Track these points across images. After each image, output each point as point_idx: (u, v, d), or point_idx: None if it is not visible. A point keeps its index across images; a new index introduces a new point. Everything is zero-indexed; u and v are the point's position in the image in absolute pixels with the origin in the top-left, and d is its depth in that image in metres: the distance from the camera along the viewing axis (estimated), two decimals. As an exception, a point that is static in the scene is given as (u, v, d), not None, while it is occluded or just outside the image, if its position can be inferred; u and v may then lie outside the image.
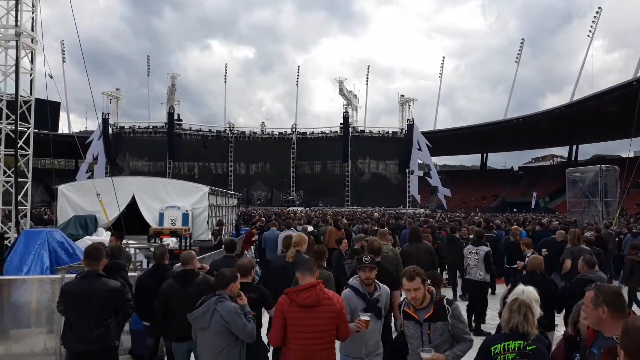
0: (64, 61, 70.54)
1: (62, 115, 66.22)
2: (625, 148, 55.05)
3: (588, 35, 59.41)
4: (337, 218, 14.44)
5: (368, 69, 77.28)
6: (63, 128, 67.94)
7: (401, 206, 55.20)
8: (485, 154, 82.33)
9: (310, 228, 13.00)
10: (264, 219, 17.37)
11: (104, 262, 4.66)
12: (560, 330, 7.63)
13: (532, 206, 54.90)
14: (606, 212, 26.55)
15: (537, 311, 3.40)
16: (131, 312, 4.83)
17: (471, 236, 10.55)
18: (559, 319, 7.37)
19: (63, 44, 70.06)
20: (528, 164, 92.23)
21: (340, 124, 60.67)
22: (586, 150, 76.83)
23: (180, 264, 5.44)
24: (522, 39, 71.84)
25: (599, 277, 6.03)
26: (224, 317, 3.93)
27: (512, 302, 3.35)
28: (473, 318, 8.64)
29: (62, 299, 4.51)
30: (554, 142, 75.75)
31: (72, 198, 15.89)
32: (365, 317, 3.97)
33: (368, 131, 62.87)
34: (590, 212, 27.32)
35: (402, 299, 3.97)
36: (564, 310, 7.40)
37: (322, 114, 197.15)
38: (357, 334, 4.00)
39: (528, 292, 3.67)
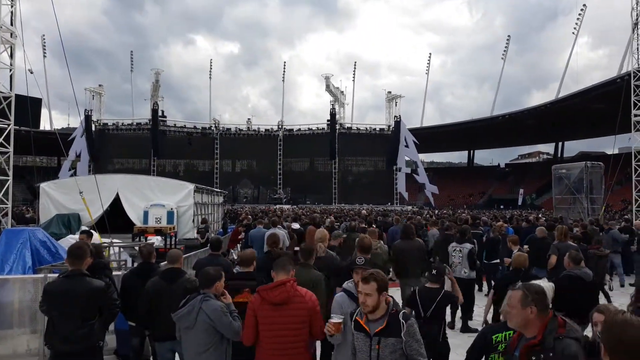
0: (44, 56, 69.54)
1: (44, 112, 65.43)
2: (610, 145, 55.81)
3: (573, 33, 59.99)
4: (314, 216, 14.39)
5: (355, 65, 77.60)
6: (45, 125, 66.87)
7: (389, 203, 55.35)
8: (472, 151, 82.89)
9: (296, 226, 12.93)
10: (250, 217, 17.25)
11: (88, 261, 4.57)
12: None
13: (519, 203, 55.42)
14: (592, 209, 26.87)
15: None
16: (117, 311, 4.76)
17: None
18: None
19: (44, 38, 68.97)
20: (514, 160, 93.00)
21: (327, 120, 60.62)
22: (572, 147, 77.81)
23: (166, 262, 5.36)
24: (508, 36, 72.52)
25: (585, 273, 6.05)
26: (209, 315, 3.90)
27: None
28: (460, 315, 8.65)
29: (45, 299, 4.41)
30: (540, 138, 76.43)
31: (55, 196, 15.66)
32: (335, 320, 3.62)
33: (355, 128, 62.93)
34: (576, 209, 27.63)
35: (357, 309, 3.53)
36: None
37: (309, 110, 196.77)
38: (345, 340, 3.70)
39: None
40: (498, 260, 10.53)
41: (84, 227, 14.38)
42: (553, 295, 3.50)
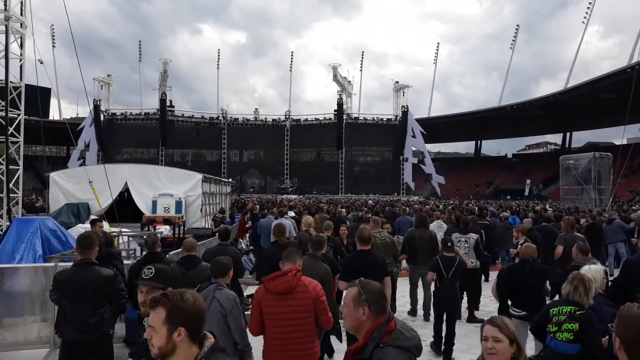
0: (54, 46, 69.79)
1: (53, 102, 65.57)
2: (618, 135, 55.35)
3: (583, 22, 59.30)
4: (309, 205, 14.48)
5: (362, 55, 77.02)
6: (54, 114, 67.39)
7: (395, 193, 55.32)
8: (479, 141, 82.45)
9: (291, 214, 13.05)
10: (257, 206, 17.33)
11: (96, 250, 4.63)
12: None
13: (526, 193, 55.16)
14: (599, 199, 26.76)
15: (593, 287, 3.86)
16: (124, 302, 4.82)
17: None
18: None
19: (53, 28, 69.14)
20: (522, 151, 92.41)
21: (335, 110, 60.46)
22: (580, 138, 77.28)
23: (181, 249, 5.47)
24: (517, 25, 71.64)
25: (593, 263, 6.05)
26: (222, 304, 3.92)
27: (571, 275, 3.93)
28: (466, 306, 8.68)
29: (55, 287, 4.48)
30: (548, 129, 75.86)
31: (64, 186, 15.77)
32: None
33: (362, 118, 62.73)
34: (583, 199, 27.55)
35: None
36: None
37: (316, 100, 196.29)
38: None
39: (590, 270, 4.21)
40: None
41: (93, 216, 14.53)
42: (598, 281, 4.01)
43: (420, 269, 8.40)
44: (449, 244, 7.18)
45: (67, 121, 53.98)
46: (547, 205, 22.36)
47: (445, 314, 6.78)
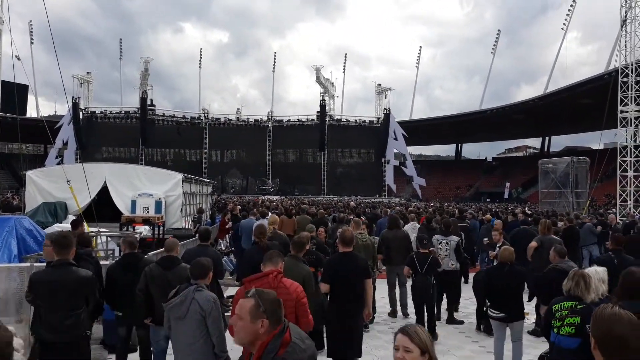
0: (32, 42, 68.30)
1: (31, 99, 64.16)
2: (596, 140, 56.40)
3: (562, 28, 60.33)
4: (290, 207, 14.47)
5: (345, 57, 77.14)
6: (31, 112, 66.00)
7: (377, 195, 55.56)
8: (460, 145, 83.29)
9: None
10: (238, 207, 17.25)
11: (74, 250, 4.55)
12: (530, 319, 7.82)
13: (506, 196, 55.86)
14: (577, 203, 27.24)
15: (595, 285, 3.97)
16: (101, 302, 4.76)
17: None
18: (529, 307, 7.55)
19: (31, 24, 67.76)
20: (502, 154, 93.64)
21: (317, 112, 60.50)
22: (559, 142, 78.44)
23: (163, 249, 5.42)
24: (499, 30, 72.73)
25: (570, 266, 6.14)
26: (202, 306, 3.88)
27: (572, 272, 4.08)
28: (446, 307, 8.76)
29: (31, 288, 4.39)
30: (527, 133, 76.97)
31: (41, 184, 15.50)
32: None
33: (345, 120, 62.86)
34: (561, 203, 28.03)
35: None
36: (535, 299, 7.60)
37: (299, 101, 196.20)
38: None
39: (595, 270, 4.27)
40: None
41: (71, 216, 14.29)
42: (602, 280, 4.09)
43: (396, 269, 8.70)
44: (425, 242, 7.76)
45: (45, 119, 52.91)
46: (526, 209, 22.70)
47: (424, 305, 7.43)
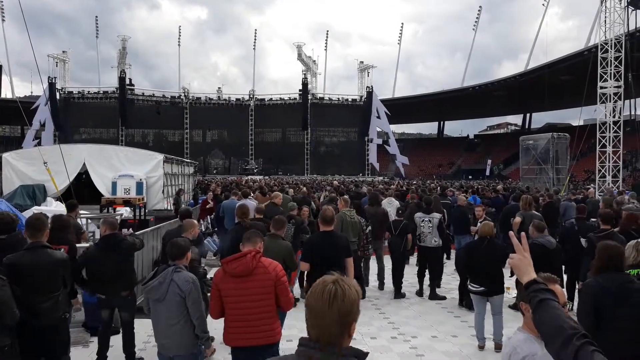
0: (3, 20, 66.20)
1: (5, 79, 62.64)
2: (576, 116, 56.96)
3: (543, 4, 60.41)
4: (261, 185, 14.60)
5: (327, 34, 76.30)
6: (6, 93, 64.41)
7: (360, 174, 55.70)
8: (442, 122, 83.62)
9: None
10: (219, 189, 17.16)
11: (47, 233, 4.47)
12: (511, 293, 7.95)
13: (487, 173, 56.47)
14: (557, 179, 27.62)
15: None
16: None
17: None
18: (509, 282, 7.66)
19: (1, 1, 65.61)
20: (483, 131, 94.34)
21: (299, 90, 60.02)
22: (539, 119, 79.29)
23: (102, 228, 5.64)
24: (480, 7, 72.48)
25: (548, 241, 6.25)
26: (180, 287, 3.84)
27: (633, 241, 4.22)
28: (428, 283, 8.86)
29: (6, 272, 4.29)
30: (508, 110, 77.51)
31: (18, 167, 15.17)
32: None
33: (327, 98, 62.51)
34: (541, 179, 28.38)
35: None
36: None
37: (280, 79, 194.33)
38: None
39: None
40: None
41: (50, 199, 14.06)
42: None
43: (376, 243, 9.22)
44: (400, 211, 9.64)
45: (20, 100, 51.70)
46: (500, 186, 22.97)
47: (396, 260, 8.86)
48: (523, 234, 2.29)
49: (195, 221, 5.73)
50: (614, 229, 6.43)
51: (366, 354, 1.66)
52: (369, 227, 8.97)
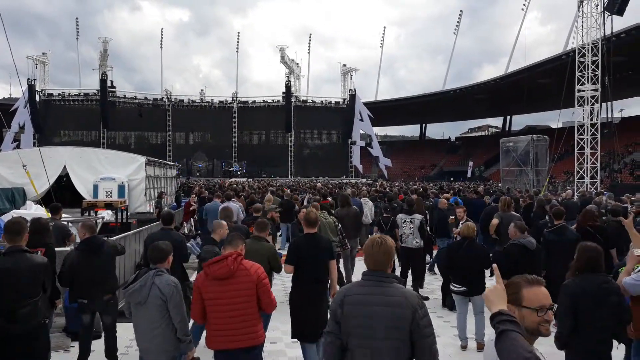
0: (-18, 22, 65.02)
1: (-17, 81, 61.42)
2: (554, 119, 57.91)
3: (522, 9, 61.25)
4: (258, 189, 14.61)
5: (310, 37, 76.46)
6: (-16, 95, 63.21)
7: (344, 176, 55.84)
8: (424, 125, 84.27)
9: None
10: (205, 191, 17.07)
11: (26, 237, 4.40)
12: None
13: (468, 175, 57.04)
14: (536, 180, 28.01)
15: None
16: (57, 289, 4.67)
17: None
18: (490, 282, 7.76)
19: (-19, 3, 64.43)
20: (465, 134, 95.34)
21: (283, 93, 59.96)
22: (519, 121, 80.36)
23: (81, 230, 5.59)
24: (461, 11, 73.31)
25: (529, 241, 6.34)
26: (162, 290, 3.82)
27: None
28: (411, 283, 8.92)
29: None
30: (489, 112, 78.48)
31: (-4, 170, 14.93)
32: None
33: (311, 101, 62.53)
34: (522, 180, 28.77)
35: None
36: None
37: (263, 81, 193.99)
38: None
39: None
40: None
41: (29, 202, 13.85)
42: None
43: (350, 242, 9.20)
44: (388, 209, 10.63)
45: (-2, 102, 50.82)
46: (479, 188, 23.21)
47: None
48: (495, 265, 2.37)
49: (224, 222, 5.81)
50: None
51: (402, 279, 2.41)
52: (339, 226, 8.98)
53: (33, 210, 12.28)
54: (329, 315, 5.39)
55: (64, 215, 10.59)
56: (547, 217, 9.64)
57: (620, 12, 25.27)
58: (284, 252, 6.44)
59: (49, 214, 7.94)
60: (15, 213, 10.74)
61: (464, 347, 6.24)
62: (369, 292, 2.78)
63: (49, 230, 5.89)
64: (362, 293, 2.80)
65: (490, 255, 6.76)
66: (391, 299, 2.71)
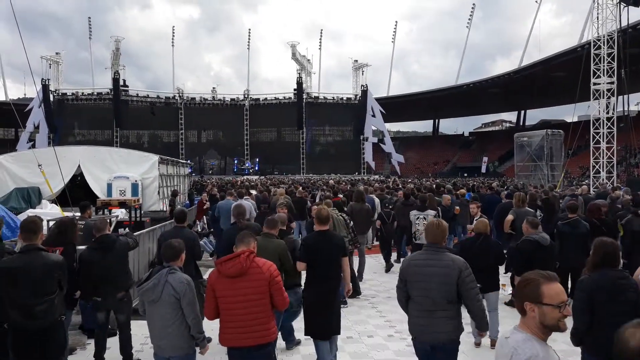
0: (-4, 23, 65.85)
1: (-2, 81, 62.36)
2: (569, 113, 57.22)
3: (536, 1, 60.51)
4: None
5: (321, 33, 76.32)
6: (-1, 95, 64.13)
7: (356, 173, 55.75)
8: (437, 120, 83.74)
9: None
10: (216, 189, 17.15)
11: (42, 235, 4.45)
12: (507, 290, 7.99)
13: (483, 170, 56.58)
14: (551, 175, 27.69)
15: None
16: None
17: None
18: (504, 279, 7.69)
19: (-5, 4, 65.19)
20: (478, 129, 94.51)
21: (294, 89, 59.95)
22: (534, 115, 79.33)
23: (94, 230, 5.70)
24: (473, 4, 72.42)
25: (542, 237, 6.28)
26: (175, 288, 3.84)
27: None
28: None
29: (1, 276, 4.28)
30: (503, 107, 77.74)
31: (13, 169, 15.12)
32: None
33: (322, 97, 62.45)
34: (536, 176, 28.45)
35: None
36: (511, 270, 7.76)
37: (274, 78, 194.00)
38: None
39: None
40: None
41: (45, 202, 14.01)
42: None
43: (360, 238, 9.28)
44: (387, 204, 11.95)
45: (13, 102, 51.34)
46: (494, 184, 23.00)
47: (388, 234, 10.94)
48: None
49: (283, 215, 6.22)
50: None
51: (452, 249, 3.48)
52: (352, 222, 8.99)
53: (48, 210, 12.43)
54: (342, 314, 5.42)
55: (77, 214, 10.73)
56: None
57: (637, 3, 24.86)
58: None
59: (78, 212, 8.10)
60: (31, 212, 10.89)
61: (477, 344, 6.19)
62: (428, 257, 3.98)
63: (74, 229, 5.95)
64: (423, 259, 4.01)
65: (505, 251, 6.70)
66: (442, 262, 3.90)
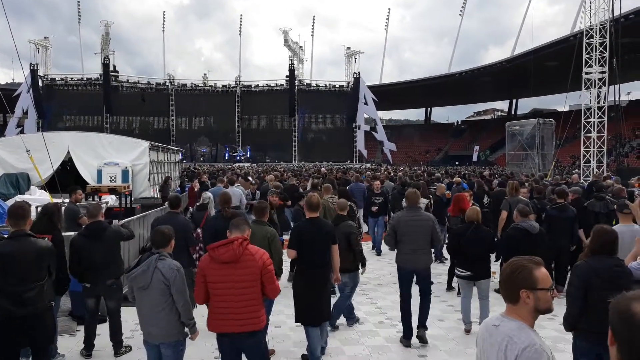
0: (-17, 6, 64.67)
1: (-15, 66, 61.33)
2: (561, 102, 57.41)
3: (529, -10, 60.36)
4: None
5: (313, 19, 76.05)
6: (-13, 80, 63.18)
7: (348, 161, 55.79)
8: (429, 108, 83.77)
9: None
10: (204, 175, 17.08)
11: (30, 221, 4.39)
12: (497, 277, 8.03)
13: (474, 159, 56.79)
14: (542, 164, 27.85)
15: None
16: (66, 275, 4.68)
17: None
18: (494, 266, 7.74)
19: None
20: (470, 117, 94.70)
21: (286, 76, 59.63)
22: (525, 104, 79.76)
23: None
24: (466, -7, 72.03)
25: (531, 225, 6.30)
26: (164, 274, 3.81)
27: None
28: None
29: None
30: (495, 96, 77.88)
31: (1, 155, 14.96)
32: None
33: (314, 85, 62.23)
34: (527, 164, 28.62)
35: None
36: (501, 258, 7.81)
37: (266, 64, 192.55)
38: None
39: None
40: None
41: (33, 187, 13.89)
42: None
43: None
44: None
45: (1, 87, 50.75)
46: (485, 172, 23.12)
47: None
48: None
49: (343, 201, 6.65)
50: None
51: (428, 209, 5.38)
52: (360, 211, 9.02)
53: (37, 196, 12.33)
54: (331, 300, 5.42)
55: (66, 200, 10.63)
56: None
57: (629, -8, 24.81)
58: (286, 237, 6.44)
59: (67, 199, 8.07)
60: (19, 198, 10.79)
61: (467, 331, 6.24)
62: (410, 214, 5.91)
63: (59, 215, 5.87)
64: (409, 215, 5.90)
65: (496, 239, 6.75)
66: (421, 217, 5.92)
